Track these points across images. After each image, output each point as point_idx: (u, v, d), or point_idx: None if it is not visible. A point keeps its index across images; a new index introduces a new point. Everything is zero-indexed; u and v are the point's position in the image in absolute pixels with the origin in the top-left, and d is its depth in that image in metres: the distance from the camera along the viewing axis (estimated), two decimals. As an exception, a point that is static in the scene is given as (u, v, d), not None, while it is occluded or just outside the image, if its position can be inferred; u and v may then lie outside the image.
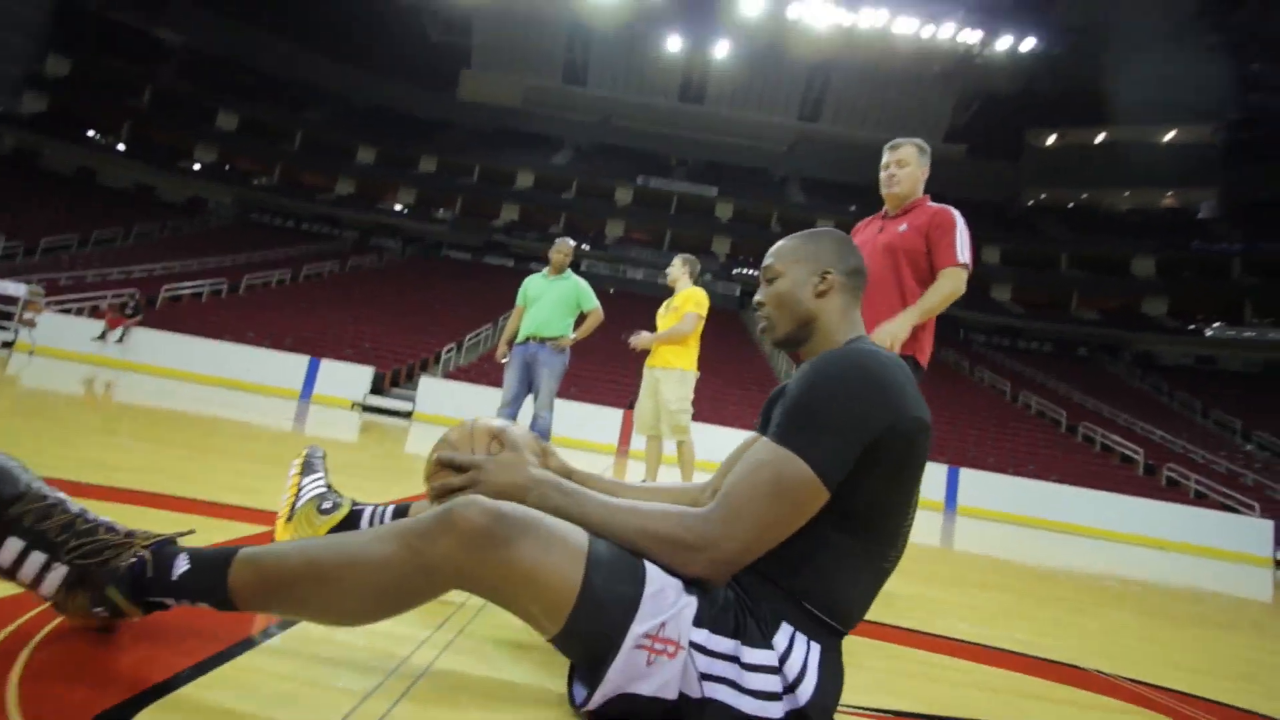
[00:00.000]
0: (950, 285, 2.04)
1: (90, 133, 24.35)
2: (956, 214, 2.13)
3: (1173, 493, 12.20)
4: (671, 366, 3.92)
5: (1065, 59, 21.75)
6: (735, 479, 0.84)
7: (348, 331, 14.02)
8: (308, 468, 1.29)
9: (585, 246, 26.07)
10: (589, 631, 0.80)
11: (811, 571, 0.86)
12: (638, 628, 0.79)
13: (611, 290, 23.04)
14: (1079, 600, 3.16)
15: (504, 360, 4.25)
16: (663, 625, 0.80)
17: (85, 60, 24.24)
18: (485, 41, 26.81)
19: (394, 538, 0.80)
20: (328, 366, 11.08)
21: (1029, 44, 20.54)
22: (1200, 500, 12.01)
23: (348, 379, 11.08)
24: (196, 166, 25.64)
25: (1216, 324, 22.99)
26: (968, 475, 11.30)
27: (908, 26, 19.87)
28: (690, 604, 0.83)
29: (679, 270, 4.06)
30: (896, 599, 2.12)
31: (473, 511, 0.79)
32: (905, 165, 2.23)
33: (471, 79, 27.95)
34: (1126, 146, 26.02)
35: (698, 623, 0.82)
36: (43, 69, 23.23)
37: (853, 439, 0.82)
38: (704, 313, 3.95)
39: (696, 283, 4.09)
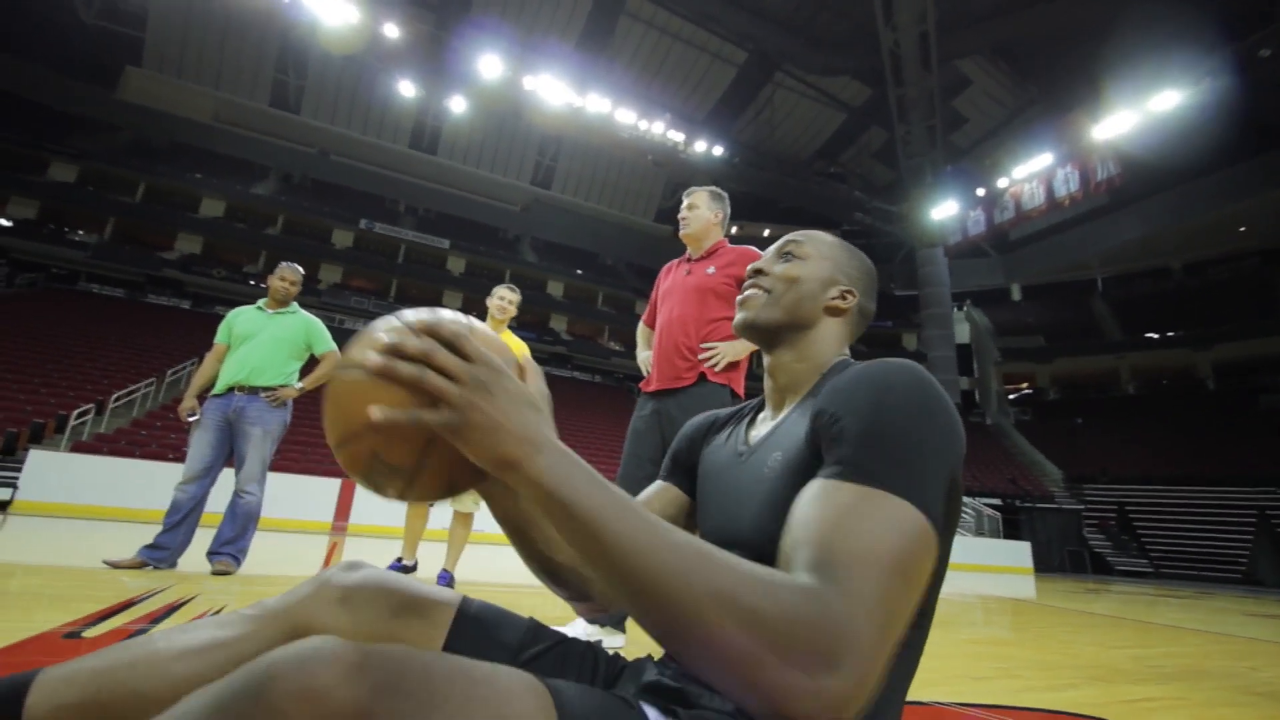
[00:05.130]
0: None
1: None
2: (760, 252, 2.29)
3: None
4: None
5: (741, 166, 26.82)
6: (827, 534, 0.48)
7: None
8: None
9: (292, 290, 22.88)
10: None
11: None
12: None
13: (325, 341, 20.40)
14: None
15: (192, 418, 3.25)
16: None
17: None
18: (165, 39, 22.35)
19: None
20: None
21: (717, 150, 24.84)
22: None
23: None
24: None
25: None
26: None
27: (626, 118, 22.39)
28: None
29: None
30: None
31: (319, 673, 0.37)
32: (695, 208, 2.36)
33: (143, 79, 22.90)
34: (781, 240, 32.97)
35: None
36: None
37: (945, 478, 0.54)
38: None
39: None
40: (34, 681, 0.58)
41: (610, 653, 0.72)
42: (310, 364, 3.58)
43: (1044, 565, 16.08)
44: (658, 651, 0.67)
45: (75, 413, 10.57)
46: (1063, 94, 22.16)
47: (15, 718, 0.56)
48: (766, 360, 0.79)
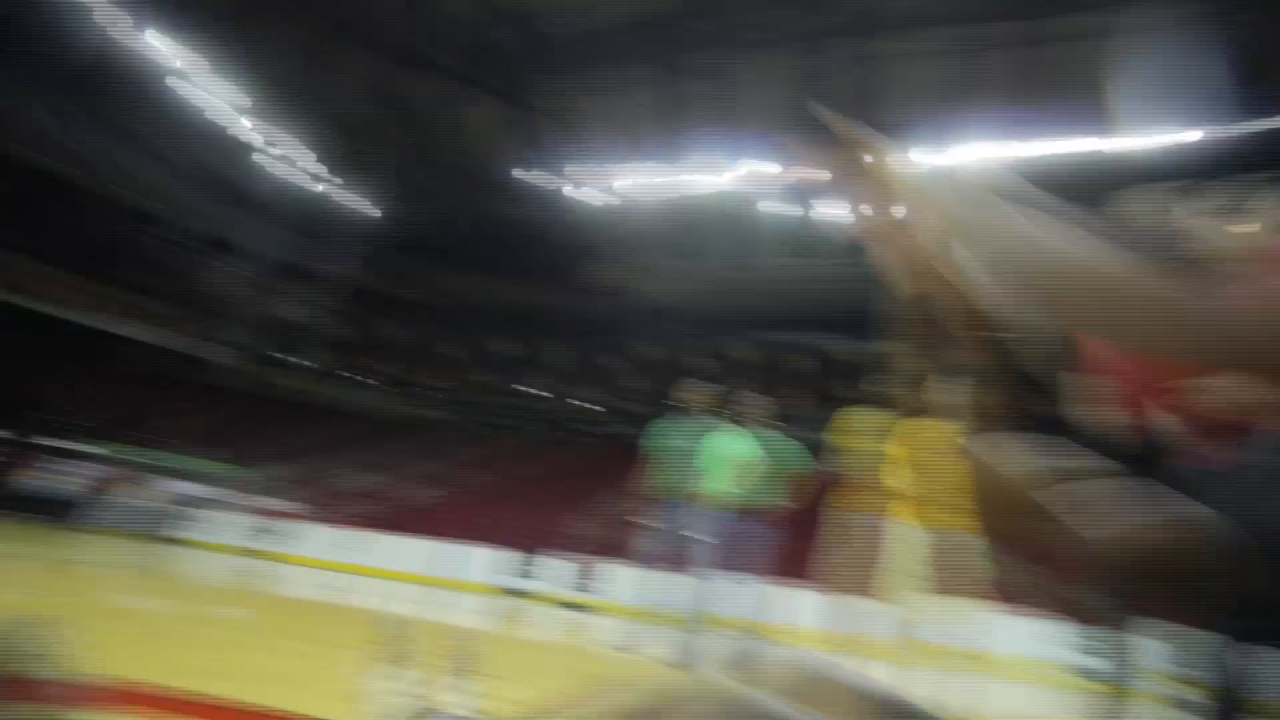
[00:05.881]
0: None
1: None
2: None
3: None
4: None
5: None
6: None
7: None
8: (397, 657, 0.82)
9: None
10: None
11: None
12: None
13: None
14: None
15: (644, 522, 4.03)
16: None
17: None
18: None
19: None
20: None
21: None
22: None
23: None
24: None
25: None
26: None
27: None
28: None
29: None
30: None
31: (690, 712, 0.36)
32: None
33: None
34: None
35: None
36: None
37: None
38: None
39: None
40: None
41: None
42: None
43: None
44: None
45: (585, 524, 13.63)
46: None
47: None
48: None
